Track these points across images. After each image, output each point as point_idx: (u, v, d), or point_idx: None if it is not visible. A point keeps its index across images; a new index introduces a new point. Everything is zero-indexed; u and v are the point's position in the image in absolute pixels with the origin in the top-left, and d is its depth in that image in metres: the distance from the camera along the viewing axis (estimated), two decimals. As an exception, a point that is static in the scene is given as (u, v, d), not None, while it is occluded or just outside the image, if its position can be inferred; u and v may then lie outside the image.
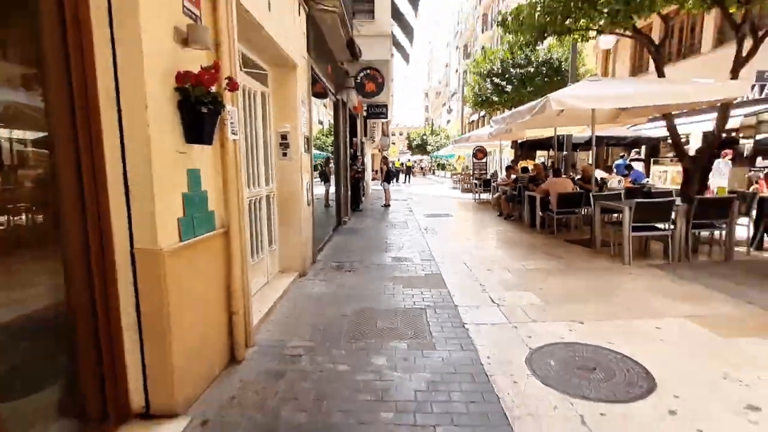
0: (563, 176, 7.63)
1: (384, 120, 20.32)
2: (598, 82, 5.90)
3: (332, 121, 8.85)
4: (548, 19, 7.13)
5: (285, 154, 4.71)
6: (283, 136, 4.68)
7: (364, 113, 15.55)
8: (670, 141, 14.81)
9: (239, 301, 2.78)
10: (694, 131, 14.74)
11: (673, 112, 6.63)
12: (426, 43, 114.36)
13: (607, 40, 10.53)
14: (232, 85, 2.37)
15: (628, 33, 7.20)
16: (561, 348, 3.00)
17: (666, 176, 16.34)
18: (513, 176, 10.41)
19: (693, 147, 15.64)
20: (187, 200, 2.28)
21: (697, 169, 6.36)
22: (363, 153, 16.18)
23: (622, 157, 21.19)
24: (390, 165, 13.28)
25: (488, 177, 14.46)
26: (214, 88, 2.26)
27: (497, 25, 8.10)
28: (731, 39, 13.97)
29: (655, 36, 12.79)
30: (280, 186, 4.76)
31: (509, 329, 3.36)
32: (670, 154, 17.63)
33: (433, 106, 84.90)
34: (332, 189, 9.03)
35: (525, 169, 9.68)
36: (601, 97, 5.12)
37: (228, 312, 2.74)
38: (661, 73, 6.71)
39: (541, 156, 26.47)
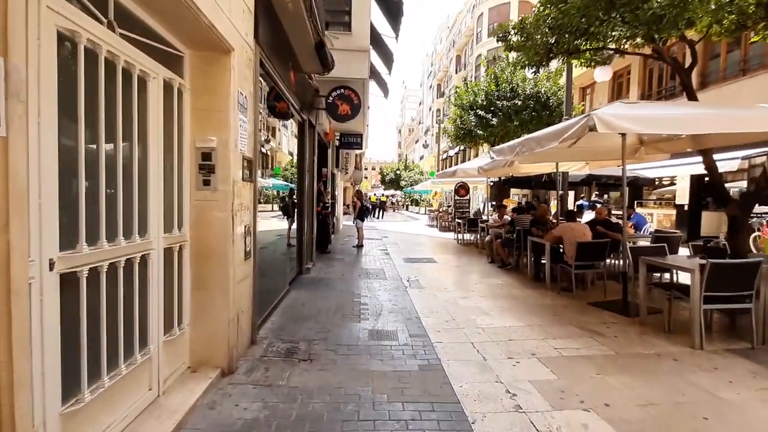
0: (578, 221, 6.26)
1: (358, 151, 19.01)
2: (636, 105, 4.66)
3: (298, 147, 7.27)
4: (557, 36, 6.03)
5: (207, 183, 3.01)
6: (206, 155, 3.00)
7: (337, 142, 14.14)
8: (658, 183, 13.79)
9: None
10: (681, 173, 14.26)
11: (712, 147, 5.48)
12: (399, 83, 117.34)
13: (603, 73, 9.73)
14: None
15: (648, 53, 6.19)
16: None
17: (651, 218, 15.63)
18: (506, 217, 9.06)
19: (679, 189, 15.16)
20: None
21: (746, 217, 5.16)
22: (334, 185, 14.63)
23: (582, 197, 20.51)
24: (365, 200, 11.73)
25: (472, 216, 13.15)
26: None
27: (497, 41, 6.97)
28: (715, 82, 13.81)
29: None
30: (197, 231, 3.02)
31: None
32: (653, 197, 17.16)
33: (406, 143, 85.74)
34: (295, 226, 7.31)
35: (520, 209, 8.38)
36: (656, 119, 3.81)
37: None
38: (693, 100, 5.64)
39: (515, 194, 25.83)
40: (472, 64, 36.59)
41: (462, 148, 31.41)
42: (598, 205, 14.76)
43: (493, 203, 13.20)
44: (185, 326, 2.96)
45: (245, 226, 3.44)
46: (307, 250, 7.59)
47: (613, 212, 15.04)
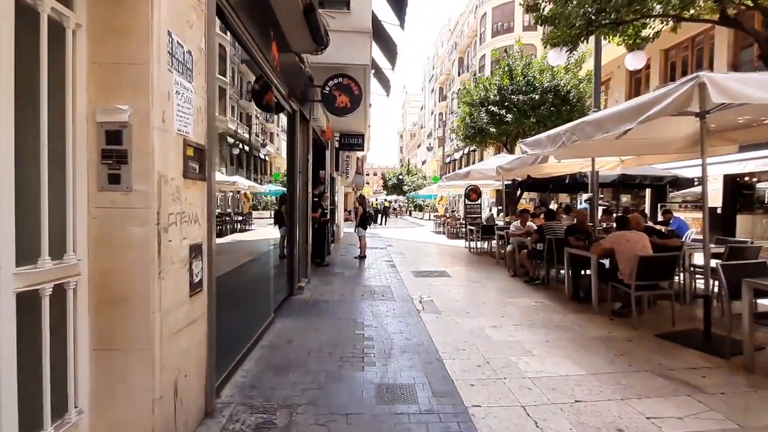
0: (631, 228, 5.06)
1: (360, 153, 17.93)
2: (725, 75, 3.51)
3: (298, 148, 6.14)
4: (600, 4, 4.92)
5: (115, 180, 1.88)
6: (113, 135, 1.87)
7: (336, 143, 13.06)
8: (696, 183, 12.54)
9: None
10: (713, 173, 13.03)
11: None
12: (401, 87, 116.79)
13: (635, 59, 8.60)
14: None
15: (714, 19, 5.05)
16: None
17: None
18: (530, 223, 7.89)
19: (711, 190, 13.95)
20: None
21: None
22: (334, 190, 13.52)
23: (587, 201, 19.04)
24: (367, 206, 10.62)
25: (484, 222, 11.98)
26: None
27: (526, 11, 5.86)
28: (747, 61, 12.53)
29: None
30: (99, 258, 1.88)
31: None
32: (678, 198, 15.92)
33: (408, 147, 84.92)
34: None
35: (550, 214, 7.20)
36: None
37: None
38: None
39: (523, 198, 24.63)
40: (476, 66, 35.61)
41: (467, 151, 30.27)
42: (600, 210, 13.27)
43: (497, 208, 12.04)
44: (75, 416, 1.80)
45: (192, 246, 2.30)
46: (301, 265, 6.44)
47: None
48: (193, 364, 2.36)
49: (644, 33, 5.81)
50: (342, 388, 3.03)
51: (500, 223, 11.07)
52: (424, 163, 59.36)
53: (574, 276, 5.70)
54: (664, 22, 5.47)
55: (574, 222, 6.33)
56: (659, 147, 5.71)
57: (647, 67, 16.73)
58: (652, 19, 5.25)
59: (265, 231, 5.85)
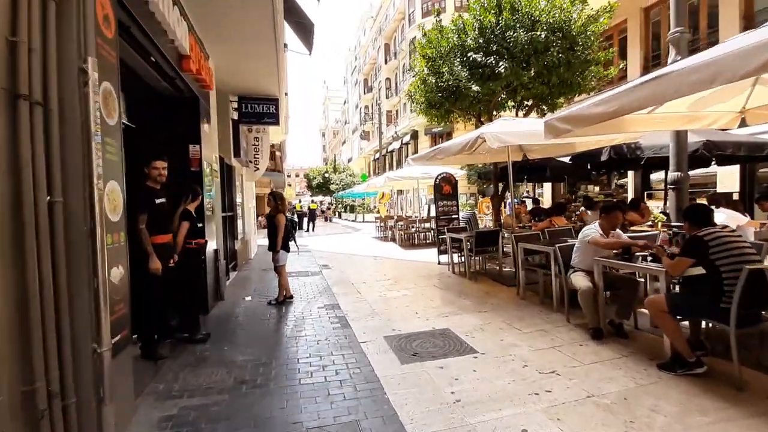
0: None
1: (274, 135, 13.02)
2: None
3: None
4: None
5: None
6: None
7: (234, 113, 8.22)
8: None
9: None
10: None
11: None
12: (320, 83, 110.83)
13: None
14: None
15: None
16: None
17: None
18: (618, 232, 4.01)
19: (724, 173, 11.70)
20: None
21: None
22: (233, 187, 8.63)
23: (528, 192, 15.82)
24: (290, 210, 5.95)
25: (463, 224, 8.04)
26: None
27: None
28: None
29: None
30: None
31: None
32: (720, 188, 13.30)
33: (331, 146, 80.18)
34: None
35: (702, 215, 3.33)
36: None
37: None
38: None
39: (463, 193, 21.44)
40: (406, 51, 32.34)
41: (399, 145, 26.33)
42: (527, 201, 9.94)
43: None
44: None
45: None
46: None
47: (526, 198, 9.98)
48: None
49: None
50: None
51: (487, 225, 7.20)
52: (350, 160, 55.12)
53: None
54: None
55: None
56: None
57: (622, 30, 13.83)
58: None
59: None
